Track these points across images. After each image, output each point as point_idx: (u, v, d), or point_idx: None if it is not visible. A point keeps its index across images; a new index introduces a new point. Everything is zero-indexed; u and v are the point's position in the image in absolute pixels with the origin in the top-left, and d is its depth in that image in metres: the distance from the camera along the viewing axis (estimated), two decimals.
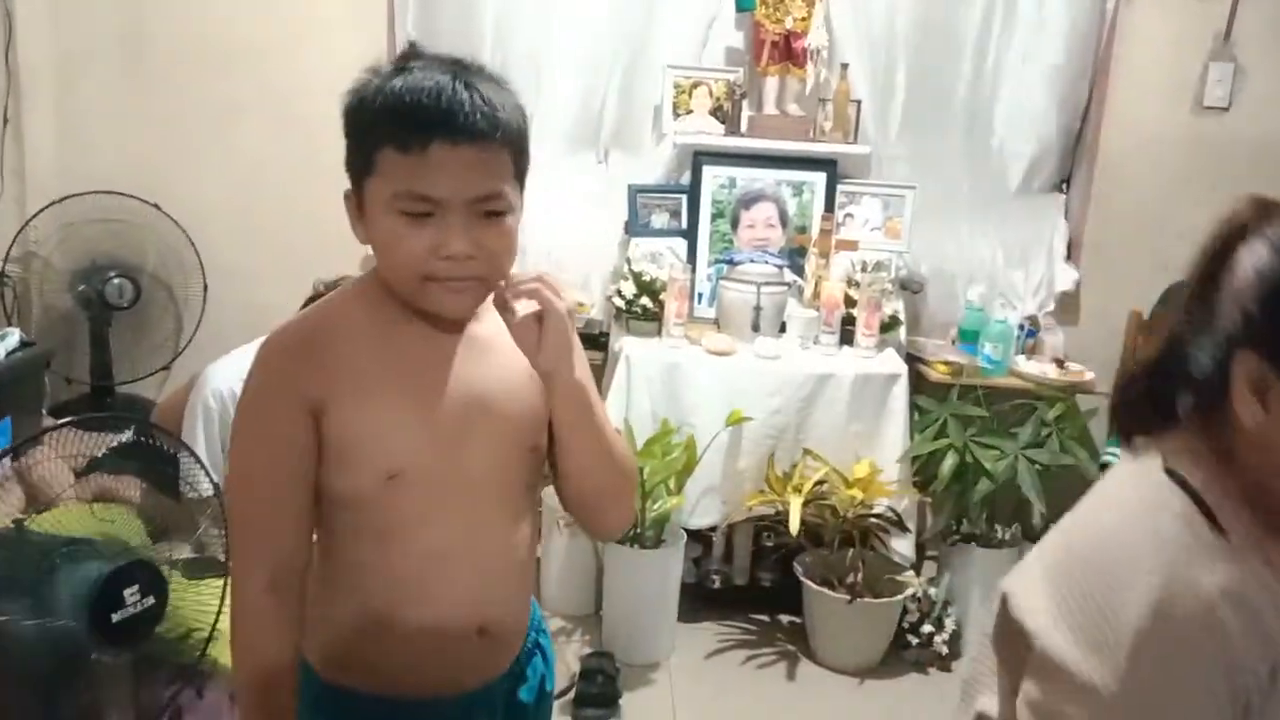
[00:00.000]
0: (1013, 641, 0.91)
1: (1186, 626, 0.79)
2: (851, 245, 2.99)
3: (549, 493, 1.22)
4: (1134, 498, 0.88)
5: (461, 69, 1.02)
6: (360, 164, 1.03)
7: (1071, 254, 3.28)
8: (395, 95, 0.99)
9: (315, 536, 1.11)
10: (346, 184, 1.07)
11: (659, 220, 3.09)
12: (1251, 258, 0.83)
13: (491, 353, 1.11)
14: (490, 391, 1.11)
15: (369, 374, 1.07)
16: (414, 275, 1.03)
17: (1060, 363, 3.05)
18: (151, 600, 1.67)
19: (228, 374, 2.20)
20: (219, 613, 1.78)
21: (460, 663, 1.13)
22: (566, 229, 3.16)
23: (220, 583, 1.85)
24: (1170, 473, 0.87)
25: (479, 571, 1.12)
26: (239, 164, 3.20)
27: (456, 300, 1.05)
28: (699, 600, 2.94)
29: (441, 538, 1.09)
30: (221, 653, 1.77)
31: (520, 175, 1.06)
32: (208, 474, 2.01)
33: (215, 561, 1.96)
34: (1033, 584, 0.89)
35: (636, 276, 2.95)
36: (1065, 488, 2.72)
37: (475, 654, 1.13)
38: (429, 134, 0.97)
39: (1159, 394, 0.90)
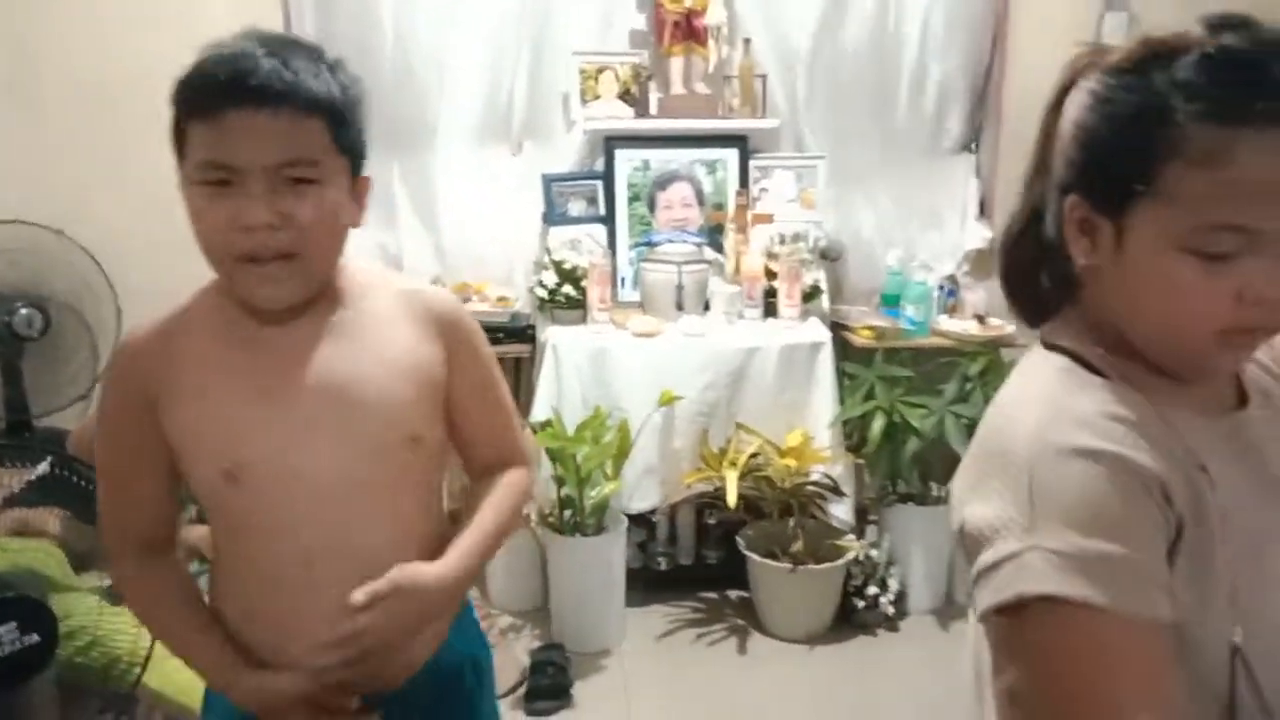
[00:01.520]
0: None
1: (1072, 442, 0.80)
2: (768, 219, 3.01)
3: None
4: (1019, 372, 0.92)
5: (270, 40, 0.99)
6: (177, 143, 1.01)
7: (985, 211, 3.33)
8: (196, 67, 0.98)
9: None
10: None
11: (576, 208, 3.08)
12: (1072, 108, 0.86)
13: (360, 337, 1.08)
14: (354, 379, 1.06)
15: (211, 368, 1.05)
16: (222, 254, 1.00)
17: (981, 319, 3.10)
18: (36, 638, 1.59)
19: None
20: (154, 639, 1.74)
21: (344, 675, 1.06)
22: (485, 223, 3.14)
23: None
24: (1047, 345, 0.91)
25: (356, 575, 1.04)
26: (144, 186, 3.08)
27: (269, 287, 1.01)
28: (647, 584, 2.95)
29: (303, 539, 1.06)
30: (154, 678, 1.73)
31: (347, 148, 1.02)
32: None
33: None
34: (956, 492, 0.91)
35: (557, 265, 2.94)
36: None
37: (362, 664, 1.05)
38: (223, 100, 0.95)
39: (1035, 271, 0.93)
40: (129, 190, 3.11)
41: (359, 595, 1.01)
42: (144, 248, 3.14)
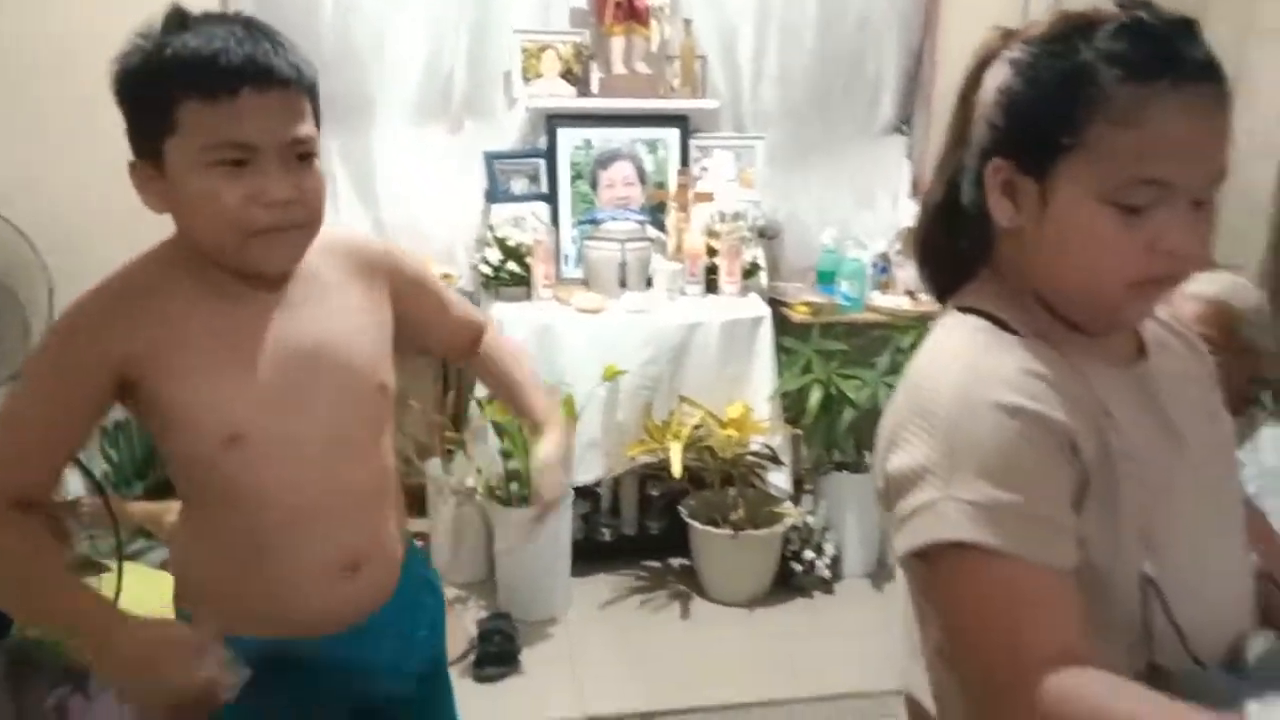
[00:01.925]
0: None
1: (985, 396, 0.86)
2: (708, 197, 3.08)
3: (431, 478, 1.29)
4: (936, 334, 0.97)
5: (247, 23, 1.03)
6: (155, 124, 1.01)
7: (916, 191, 3.43)
8: (192, 50, 0.99)
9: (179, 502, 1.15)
10: None
11: (519, 185, 3.11)
12: (993, 79, 0.92)
13: (322, 301, 1.14)
14: (328, 340, 1.13)
15: (190, 336, 1.07)
16: (236, 230, 1.03)
17: (912, 295, 3.21)
18: None
19: None
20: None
21: (338, 600, 1.17)
22: (426, 200, 3.16)
23: (102, 579, 1.82)
24: (962, 308, 0.97)
25: (342, 515, 1.15)
26: (78, 164, 3.06)
27: (285, 251, 1.07)
28: (591, 554, 3.01)
29: (299, 490, 1.12)
30: None
31: (318, 123, 1.08)
32: (84, 471, 1.97)
33: (91, 562, 1.92)
34: (878, 451, 0.96)
35: (501, 242, 2.97)
36: None
37: (350, 590, 1.18)
38: (238, 81, 0.98)
39: (951, 244, 0.99)
40: (62, 168, 3.06)
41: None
42: (79, 227, 3.09)
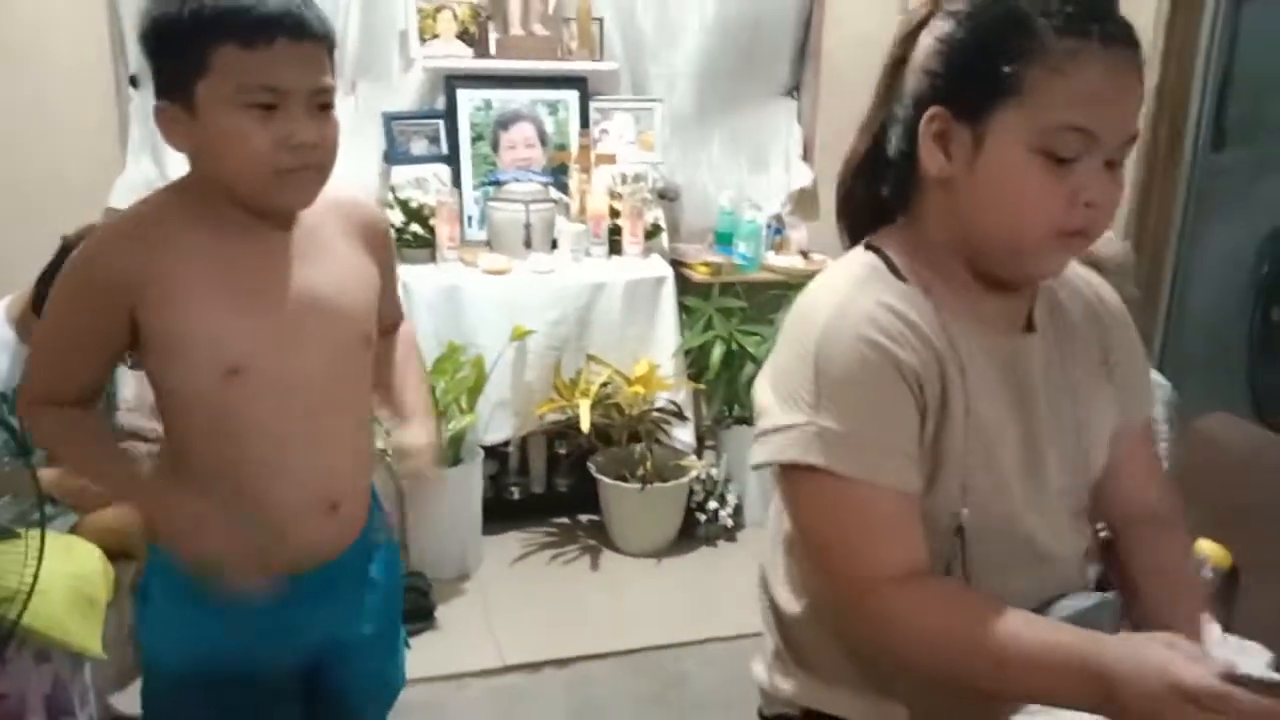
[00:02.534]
0: None
1: (851, 331, 0.93)
2: (610, 159, 3.13)
3: None
4: (833, 267, 1.05)
5: None
6: (189, 67, 1.06)
7: (807, 154, 3.57)
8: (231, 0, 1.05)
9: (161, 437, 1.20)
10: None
11: (418, 147, 3.10)
12: (932, 33, 0.98)
13: (322, 251, 1.20)
14: (324, 289, 1.19)
15: (197, 270, 1.12)
16: (264, 168, 1.08)
17: (805, 254, 3.34)
18: None
19: None
20: (35, 573, 1.71)
21: (318, 536, 1.24)
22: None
23: (24, 542, 1.77)
24: (869, 246, 1.04)
25: (326, 454, 1.22)
26: None
27: (301, 189, 1.13)
28: (501, 513, 3.06)
29: (289, 427, 1.17)
30: (30, 615, 1.71)
31: (334, 77, 1.14)
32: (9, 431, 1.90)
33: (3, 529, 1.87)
34: (760, 372, 1.04)
35: (404, 204, 2.97)
36: None
37: (329, 527, 1.25)
38: (274, 30, 1.05)
39: (872, 198, 1.06)
40: None
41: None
42: None
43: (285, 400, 1.17)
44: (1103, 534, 1.18)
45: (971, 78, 0.94)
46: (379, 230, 1.32)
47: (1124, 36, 0.92)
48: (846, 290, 0.97)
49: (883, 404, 0.94)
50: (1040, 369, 1.03)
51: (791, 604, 1.09)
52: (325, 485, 1.22)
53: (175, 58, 1.08)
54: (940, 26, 0.98)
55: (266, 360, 1.15)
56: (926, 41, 0.99)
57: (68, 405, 1.20)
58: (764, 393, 1.00)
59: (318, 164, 1.12)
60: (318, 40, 1.09)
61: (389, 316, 1.41)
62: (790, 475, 0.96)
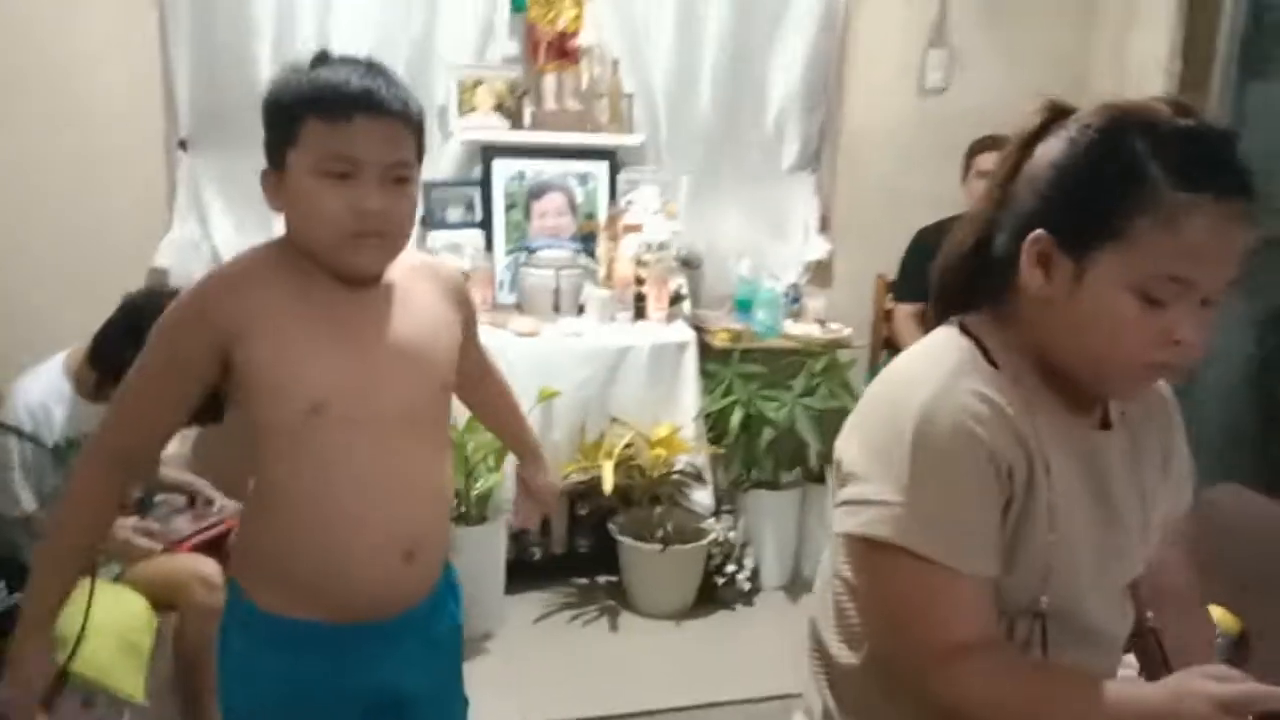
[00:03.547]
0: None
1: (950, 419, 0.96)
2: (638, 228, 3.24)
3: None
4: (927, 343, 1.07)
5: (374, 64, 1.21)
6: (282, 138, 1.18)
7: (824, 226, 3.68)
8: (321, 78, 1.19)
9: (252, 472, 1.27)
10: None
11: (455, 214, 3.22)
12: (1048, 152, 0.99)
13: (405, 305, 1.29)
14: (405, 338, 1.28)
15: (287, 316, 1.22)
16: (335, 231, 1.19)
17: (822, 323, 3.43)
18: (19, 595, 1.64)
19: (36, 389, 2.14)
20: (85, 619, 1.77)
21: (390, 586, 1.27)
22: None
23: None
24: (962, 327, 1.06)
25: (403, 499, 1.27)
26: (6, 184, 3.04)
27: (371, 255, 1.22)
28: (523, 573, 3.10)
29: (366, 466, 1.24)
30: (84, 661, 1.77)
31: (420, 157, 1.25)
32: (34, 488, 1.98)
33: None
34: (845, 430, 1.08)
35: None
36: (834, 427, 3.11)
37: (404, 578, 1.28)
38: (353, 106, 1.16)
39: (968, 282, 1.08)
40: None
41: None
42: (5, 248, 3.06)
43: (364, 439, 1.23)
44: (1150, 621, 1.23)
45: (1080, 214, 0.95)
46: (461, 287, 1.43)
47: (1241, 190, 0.92)
48: (946, 373, 1.00)
49: (974, 492, 0.97)
50: (1116, 467, 1.07)
51: (847, 657, 1.11)
52: (402, 531, 1.26)
53: (276, 130, 1.20)
54: (1056, 148, 0.99)
55: (347, 399, 1.22)
56: (1042, 157, 1.00)
57: (127, 470, 1.28)
58: (853, 459, 1.03)
59: (387, 232, 1.21)
60: (394, 118, 1.19)
61: (480, 364, 1.56)
62: (874, 547, 0.99)
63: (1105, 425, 1.09)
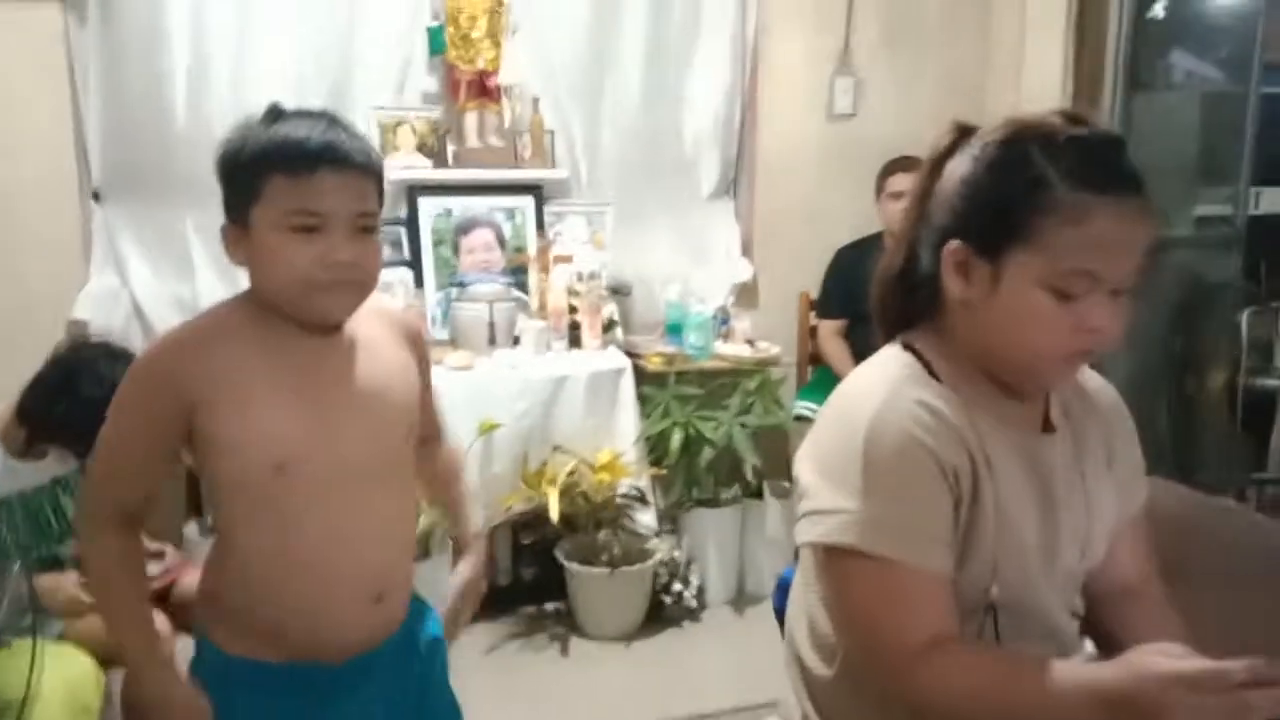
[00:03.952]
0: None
1: (896, 428, 1.03)
2: (567, 259, 3.29)
3: None
4: (874, 361, 1.15)
5: (332, 116, 1.23)
6: (244, 194, 1.19)
7: (746, 249, 3.78)
8: (281, 133, 1.19)
9: (211, 524, 1.27)
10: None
11: (383, 252, 3.22)
12: (957, 169, 1.07)
13: (366, 352, 1.30)
14: (367, 387, 1.28)
15: (250, 375, 1.22)
16: (300, 283, 1.19)
17: (751, 343, 3.52)
18: None
19: None
20: (29, 681, 1.74)
21: (359, 629, 1.29)
22: None
23: (15, 651, 1.79)
24: (904, 344, 1.14)
25: (373, 546, 1.29)
26: None
27: (338, 303, 1.23)
28: None
29: (334, 519, 1.25)
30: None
31: (381, 205, 1.27)
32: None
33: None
34: (802, 449, 1.13)
35: None
36: (770, 443, 3.21)
37: (372, 618, 1.30)
38: (317, 160, 1.17)
39: (904, 301, 1.15)
40: None
41: None
42: None
43: (330, 491, 1.24)
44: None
45: (990, 221, 1.03)
46: (418, 337, 1.43)
47: (1134, 187, 1.01)
48: (890, 387, 1.07)
49: (924, 495, 1.04)
50: (1059, 466, 1.13)
51: (821, 669, 1.17)
52: (370, 577, 1.28)
53: (236, 186, 1.21)
54: (964, 164, 1.07)
55: (312, 454, 1.23)
56: (953, 174, 1.08)
57: (131, 523, 1.28)
58: (808, 473, 1.08)
59: (355, 280, 1.23)
60: (358, 169, 1.20)
61: (426, 425, 1.47)
62: (835, 555, 1.05)
63: (1047, 428, 1.16)
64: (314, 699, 1.27)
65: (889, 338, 1.17)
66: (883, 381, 1.09)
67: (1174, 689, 0.88)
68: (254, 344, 1.23)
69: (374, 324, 1.33)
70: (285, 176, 1.17)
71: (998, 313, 1.04)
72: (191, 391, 1.20)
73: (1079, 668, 1.01)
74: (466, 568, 1.58)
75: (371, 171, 1.23)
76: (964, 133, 1.10)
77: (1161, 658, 0.92)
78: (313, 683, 1.27)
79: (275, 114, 1.23)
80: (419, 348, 1.42)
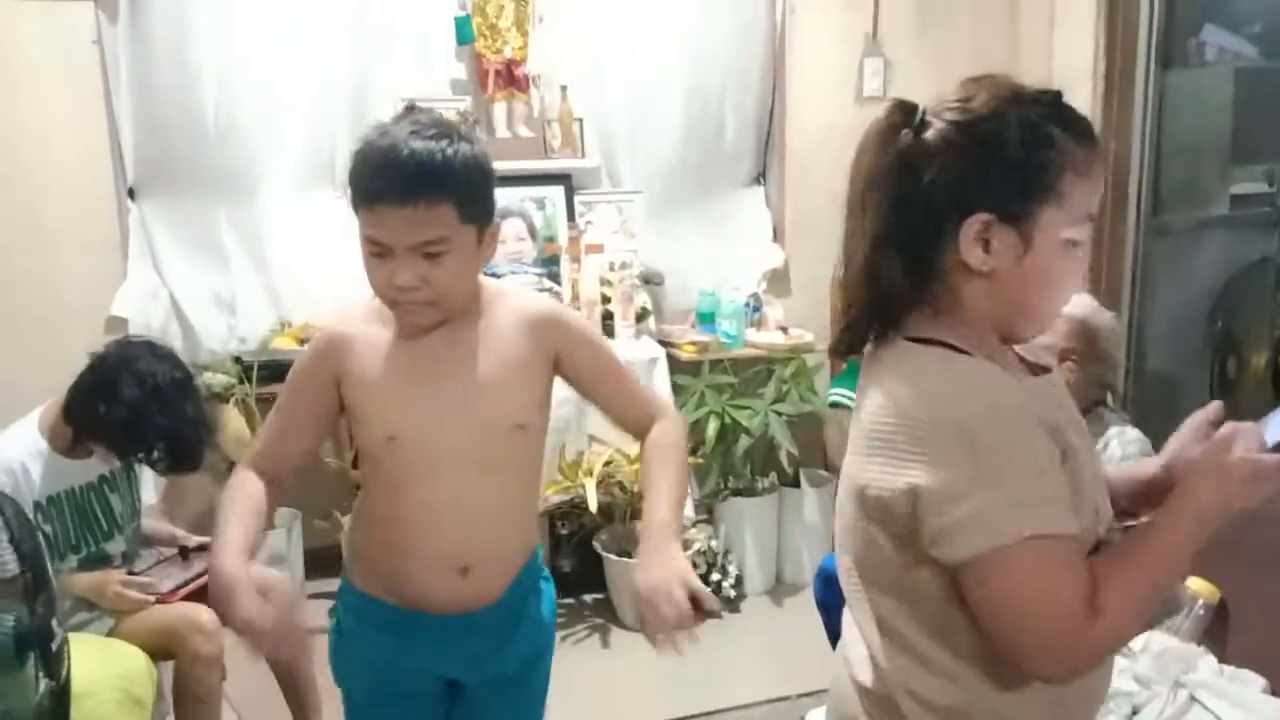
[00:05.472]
0: (880, 521, 1.08)
1: (987, 406, 1.02)
2: (599, 249, 3.28)
3: None
4: (905, 368, 1.08)
5: (424, 134, 1.25)
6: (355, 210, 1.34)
7: (776, 235, 3.76)
8: (360, 163, 1.31)
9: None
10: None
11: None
12: (943, 146, 1.06)
13: (481, 349, 1.38)
14: (475, 380, 1.37)
15: (378, 356, 1.38)
16: (382, 298, 1.35)
17: (784, 329, 3.50)
18: None
19: (11, 448, 2.11)
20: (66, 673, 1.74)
21: (448, 594, 1.43)
22: (318, 264, 3.21)
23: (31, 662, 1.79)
24: (912, 339, 1.09)
25: (460, 522, 1.41)
26: None
27: (412, 321, 1.36)
28: None
29: (429, 492, 1.39)
30: (86, 717, 1.74)
31: (472, 216, 1.29)
32: (15, 548, 1.94)
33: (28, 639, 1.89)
34: (891, 474, 1.05)
35: None
36: (806, 430, 3.19)
37: (461, 588, 1.43)
38: (376, 199, 1.28)
39: (909, 294, 1.10)
40: None
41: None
42: None
43: (429, 466, 1.37)
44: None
45: (1017, 187, 1.05)
46: (547, 321, 1.42)
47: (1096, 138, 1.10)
48: (949, 378, 1.05)
49: (1043, 457, 1.02)
50: (1065, 401, 1.17)
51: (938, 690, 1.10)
52: (457, 550, 1.41)
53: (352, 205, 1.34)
54: (953, 138, 1.06)
55: (416, 432, 1.37)
56: (937, 156, 1.06)
57: (271, 481, 1.41)
58: (928, 490, 1.02)
59: (422, 300, 1.32)
60: (419, 199, 1.25)
61: (628, 412, 1.48)
62: (994, 553, 1.00)
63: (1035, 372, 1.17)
64: (411, 640, 1.45)
65: (882, 342, 1.13)
66: (941, 378, 1.05)
67: (1213, 456, 1.04)
68: (379, 336, 1.39)
69: (504, 318, 1.41)
70: (361, 204, 1.30)
71: (1029, 274, 1.07)
72: (340, 365, 1.38)
73: (1156, 514, 1.08)
74: (643, 573, 1.29)
75: (441, 199, 1.26)
76: (908, 111, 1.10)
77: (1223, 456, 1.04)
78: (419, 628, 1.44)
79: (394, 121, 1.31)
80: (555, 335, 1.42)
